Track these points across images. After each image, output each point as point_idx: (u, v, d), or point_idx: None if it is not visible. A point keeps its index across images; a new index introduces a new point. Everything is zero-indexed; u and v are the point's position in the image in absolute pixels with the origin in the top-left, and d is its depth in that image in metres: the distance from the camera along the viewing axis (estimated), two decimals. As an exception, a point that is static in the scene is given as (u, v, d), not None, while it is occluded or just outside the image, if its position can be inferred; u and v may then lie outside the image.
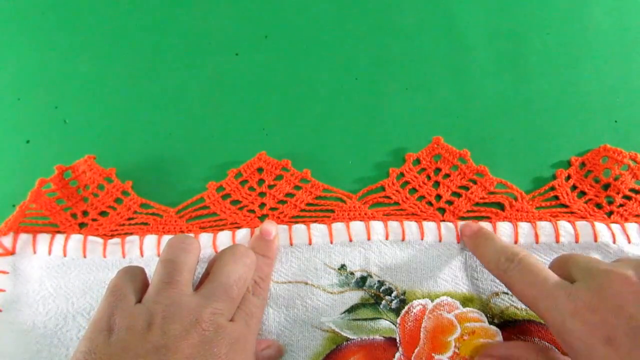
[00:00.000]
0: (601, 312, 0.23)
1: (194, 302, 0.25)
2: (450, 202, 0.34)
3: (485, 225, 0.33)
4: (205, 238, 0.33)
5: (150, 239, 0.33)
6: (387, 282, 0.31)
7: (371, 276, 0.31)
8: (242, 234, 0.33)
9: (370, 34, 0.39)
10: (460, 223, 0.33)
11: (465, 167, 0.34)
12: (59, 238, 0.33)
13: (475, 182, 0.34)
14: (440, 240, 0.32)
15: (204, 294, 0.26)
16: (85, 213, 0.34)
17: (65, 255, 0.33)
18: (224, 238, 0.33)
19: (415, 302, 0.31)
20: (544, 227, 0.32)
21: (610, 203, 0.34)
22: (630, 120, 0.36)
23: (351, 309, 0.30)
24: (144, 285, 0.27)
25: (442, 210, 0.34)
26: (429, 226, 0.33)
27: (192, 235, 0.32)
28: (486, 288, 0.31)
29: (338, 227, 0.33)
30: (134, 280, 0.27)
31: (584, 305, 0.23)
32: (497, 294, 0.31)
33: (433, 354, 0.29)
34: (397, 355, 0.29)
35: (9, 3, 0.40)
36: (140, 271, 0.28)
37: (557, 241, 0.32)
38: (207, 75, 0.38)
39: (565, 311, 0.24)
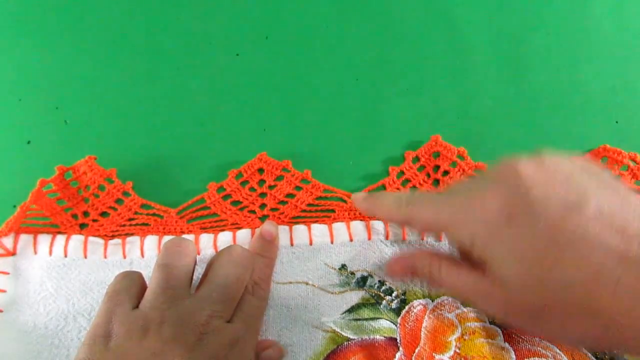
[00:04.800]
0: (500, 198, 0.22)
1: (191, 305, 0.25)
2: (450, 202, 0.34)
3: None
4: (205, 239, 0.33)
5: (151, 240, 0.33)
6: (387, 282, 0.31)
7: (372, 276, 0.31)
8: (243, 234, 0.33)
9: (370, 35, 0.39)
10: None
11: (464, 163, 0.34)
12: (60, 239, 0.33)
13: (474, 181, 0.34)
14: (440, 240, 0.32)
15: (201, 297, 0.26)
16: (86, 214, 0.34)
17: (66, 256, 0.33)
18: (225, 239, 0.33)
19: (415, 302, 0.31)
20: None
21: (610, 203, 0.34)
22: (630, 120, 0.36)
23: (352, 309, 0.30)
24: (142, 289, 0.27)
25: (443, 210, 0.34)
26: (430, 226, 0.33)
27: (188, 238, 0.32)
28: (486, 288, 0.31)
29: (338, 227, 0.33)
30: (132, 286, 0.27)
31: (483, 199, 0.23)
32: (497, 294, 0.31)
33: (434, 354, 0.29)
34: (398, 355, 0.29)
35: (10, 3, 0.40)
36: (138, 276, 0.28)
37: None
38: (207, 75, 0.38)
39: (466, 210, 0.23)
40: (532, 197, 0.21)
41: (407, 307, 0.31)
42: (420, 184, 0.34)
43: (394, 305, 0.31)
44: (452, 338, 0.30)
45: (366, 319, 0.30)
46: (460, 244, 0.23)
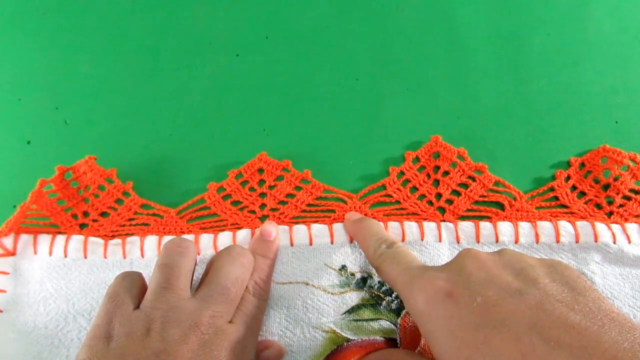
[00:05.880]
0: (445, 273, 0.24)
1: (192, 305, 0.25)
2: (450, 202, 0.34)
3: (486, 225, 0.33)
4: (205, 239, 0.33)
5: (151, 240, 0.33)
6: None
7: (372, 277, 0.31)
8: (243, 234, 0.33)
9: (370, 35, 0.39)
10: (460, 223, 0.33)
11: (464, 164, 0.34)
12: (60, 239, 0.33)
13: (474, 180, 0.34)
14: (440, 241, 0.32)
15: (202, 297, 0.26)
16: (86, 214, 0.34)
17: (66, 256, 0.33)
18: (225, 239, 0.33)
19: (415, 303, 0.31)
20: (544, 227, 0.32)
21: (610, 203, 0.34)
22: (630, 120, 0.36)
23: (352, 310, 0.30)
24: (142, 290, 0.27)
25: (442, 210, 0.34)
26: (429, 226, 0.33)
27: (188, 238, 0.32)
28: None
29: (339, 227, 0.33)
30: (132, 286, 0.27)
31: (432, 273, 0.24)
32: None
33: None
34: (398, 355, 0.29)
35: (10, 3, 0.40)
36: (138, 276, 0.28)
37: (558, 241, 0.32)
38: (207, 75, 0.38)
39: (416, 280, 0.24)
40: (473, 278, 0.23)
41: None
42: (420, 184, 0.34)
43: (394, 306, 0.31)
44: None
45: (366, 320, 0.30)
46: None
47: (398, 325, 0.30)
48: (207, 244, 0.32)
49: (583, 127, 0.36)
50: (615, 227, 0.32)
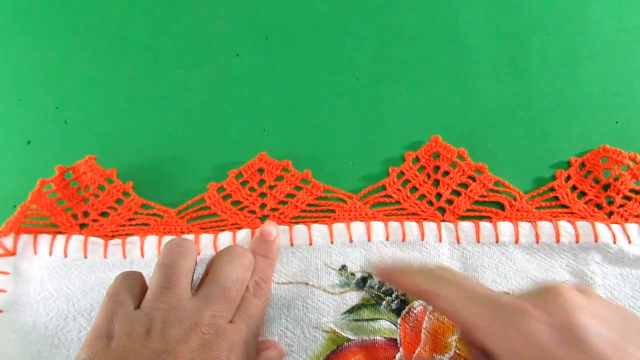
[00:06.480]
0: (549, 313, 0.21)
1: (192, 305, 0.25)
2: (450, 202, 0.34)
3: (486, 225, 0.33)
4: (206, 239, 0.33)
5: (151, 240, 0.33)
6: (387, 282, 0.31)
7: (372, 277, 0.31)
8: (243, 234, 0.33)
9: (370, 35, 0.39)
10: (461, 223, 0.33)
11: (464, 164, 0.34)
12: (60, 239, 0.33)
13: (474, 180, 0.34)
14: (440, 241, 0.32)
15: (202, 297, 0.26)
16: (86, 214, 0.34)
17: (66, 256, 0.33)
18: (225, 239, 0.33)
19: (415, 303, 0.31)
20: (545, 227, 0.32)
21: (610, 203, 0.34)
22: (630, 120, 0.36)
23: (352, 310, 0.31)
24: (143, 290, 0.27)
25: (442, 210, 0.34)
26: (430, 227, 0.33)
27: (188, 238, 0.32)
28: (486, 288, 0.31)
29: (339, 227, 0.33)
30: (133, 286, 0.27)
31: (531, 307, 0.22)
32: (497, 294, 0.31)
33: (434, 355, 0.29)
34: (398, 355, 0.29)
35: (10, 3, 0.40)
36: (139, 276, 0.28)
37: (558, 241, 0.32)
38: (207, 75, 0.38)
39: (511, 320, 0.22)
40: (586, 326, 0.21)
41: (407, 308, 0.31)
42: (420, 184, 0.34)
43: (394, 305, 0.31)
44: (452, 339, 0.30)
45: (366, 320, 0.30)
46: (483, 348, 0.22)
47: (398, 325, 0.30)
48: (207, 244, 0.32)
49: (583, 127, 0.36)
50: (616, 227, 0.32)
